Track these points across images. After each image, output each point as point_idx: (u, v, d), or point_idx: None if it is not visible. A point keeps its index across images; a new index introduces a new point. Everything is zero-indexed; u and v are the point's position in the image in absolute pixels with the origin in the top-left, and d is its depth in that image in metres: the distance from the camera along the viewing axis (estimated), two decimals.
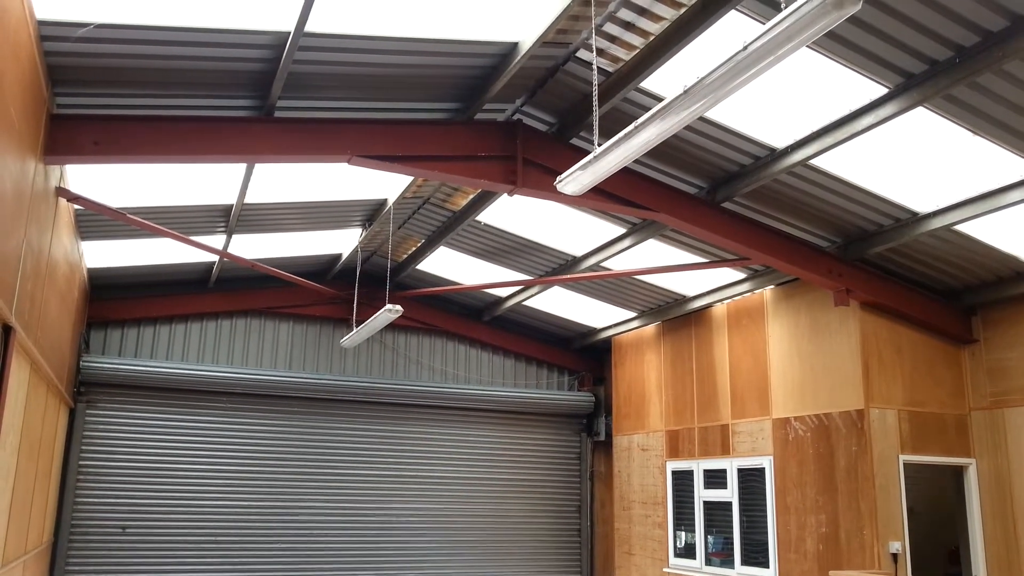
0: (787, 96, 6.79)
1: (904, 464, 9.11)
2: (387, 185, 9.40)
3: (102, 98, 6.75)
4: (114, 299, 11.94)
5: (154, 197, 8.78)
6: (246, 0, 5.65)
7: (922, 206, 8.07)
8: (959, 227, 8.15)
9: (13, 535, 7.05)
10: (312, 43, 6.24)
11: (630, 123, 5.85)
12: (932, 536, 11.62)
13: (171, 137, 6.73)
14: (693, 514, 11.32)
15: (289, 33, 5.99)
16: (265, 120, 7.09)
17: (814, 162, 7.60)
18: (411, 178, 9.00)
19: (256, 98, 7.10)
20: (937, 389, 9.58)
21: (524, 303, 13.15)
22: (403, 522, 13.08)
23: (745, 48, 3.91)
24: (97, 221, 9.10)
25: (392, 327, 13.73)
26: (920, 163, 7.34)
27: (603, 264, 10.93)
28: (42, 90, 5.91)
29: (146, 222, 8.41)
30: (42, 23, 5.46)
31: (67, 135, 6.44)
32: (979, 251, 8.60)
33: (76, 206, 8.30)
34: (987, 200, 7.52)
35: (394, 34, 6.31)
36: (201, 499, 11.97)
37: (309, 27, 5.98)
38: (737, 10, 5.82)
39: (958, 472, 9.62)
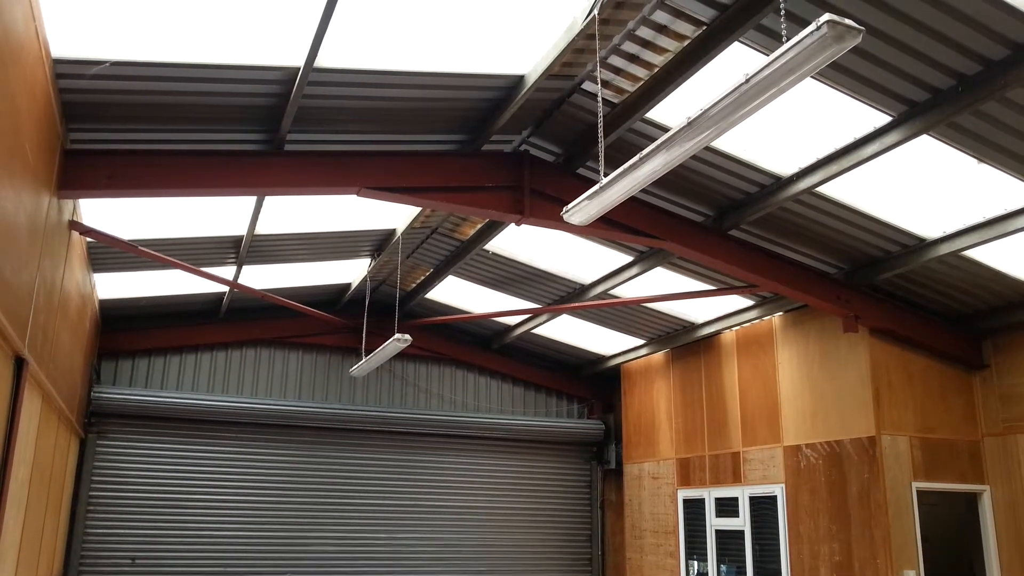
0: (792, 125, 6.84)
1: (917, 491, 9.03)
2: (395, 215, 9.47)
3: (115, 133, 6.85)
4: (125, 330, 12.01)
5: (165, 229, 8.87)
6: (257, 37, 5.75)
7: (929, 232, 8.08)
8: (967, 253, 8.15)
9: (23, 566, 7.06)
10: (321, 78, 6.34)
11: (636, 153, 5.92)
12: (948, 564, 11.47)
13: (183, 171, 6.82)
14: (705, 543, 11.23)
15: (299, 68, 6.09)
16: (275, 154, 7.18)
17: (820, 190, 7.63)
18: (419, 208, 9.07)
19: (266, 132, 7.19)
20: (949, 415, 9.52)
21: (533, 331, 13.16)
22: (413, 551, 13.00)
23: (748, 80, 3.96)
24: (109, 253, 9.19)
25: (401, 356, 13.75)
26: (926, 190, 7.36)
27: (611, 292, 10.95)
28: (56, 126, 6.01)
29: (157, 254, 8.50)
30: (57, 61, 5.57)
31: (81, 170, 6.53)
32: (987, 276, 8.59)
33: (89, 239, 8.40)
34: (994, 226, 7.53)
35: (402, 68, 6.41)
36: (211, 529, 11.94)
37: (318, 62, 6.08)
38: (740, 42, 5.90)
39: (972, 499, 9.52)
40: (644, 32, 6.06)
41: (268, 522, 12.27)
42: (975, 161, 6.78)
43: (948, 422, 9.49)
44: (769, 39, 5.85)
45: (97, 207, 8.06)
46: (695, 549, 11.44)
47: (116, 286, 10.58)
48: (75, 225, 7.38)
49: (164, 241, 9.18)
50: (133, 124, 6.75)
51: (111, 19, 5.31)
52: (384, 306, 13.19)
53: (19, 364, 5.72)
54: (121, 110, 6.47)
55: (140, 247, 8.24)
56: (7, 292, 4.79)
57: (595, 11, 5.60)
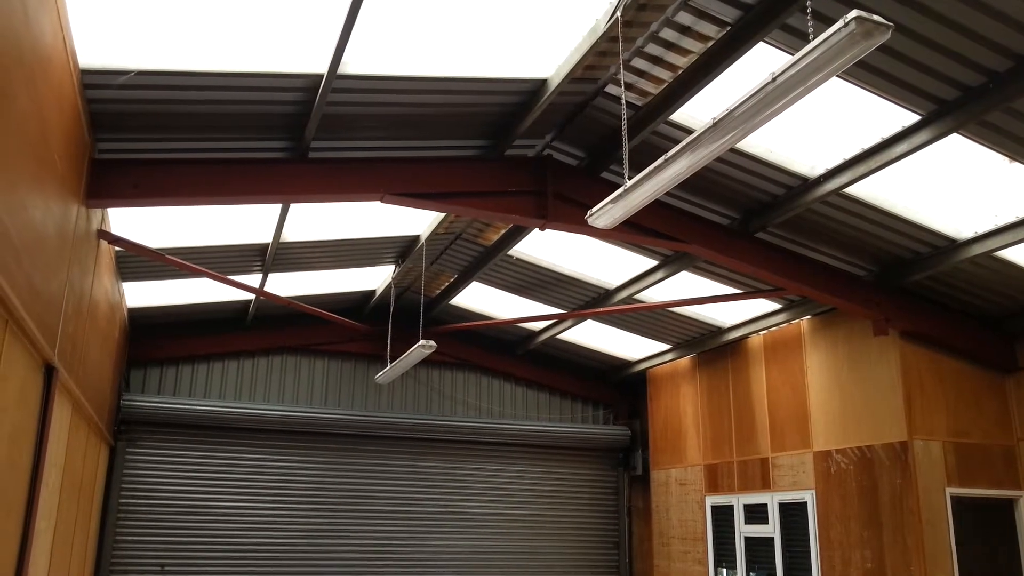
0: (818, 125, 6.75)
1: (951, 497, 8.86)
2: (419, 222, 9.49)
3: (142, 143, 6.92)
4: (154, 338, 12.13)
5: (192, 237, 8.95)
6: (280, 44, 5.79)
7: (960, 233, 7.93)
8: (999, 253, 7.99)
9: (55, 572, 7.12)
10: (345, 85, 6.36)
11: (660, 156, 5.86)
12: (984, 571, 11.23)
13: (208, 179, 6.87)
14: (734, 550, 11.10)
15: (322, 76, 6.11)
16: (300, 161, 7.22)
17: (848, 191, 7.53)
18: (443, 214, 9.07)
19: (291, 140, 7.23)
20: (982, 419, 9.34)
21: (558, 337, 13.11)
22: (439, 557, 12.98)
23: (774, 80, 3.90)
24: (137, 262, 9.28)
25: (426, 362, 13.75)
26: (957, 190, 7.24)
27: (636, 296, 10.88)
28: (84, 136, 6.08)
29: (184, 262, 8.57)
30: (84, 71, 5.64)
31: (108, 179, 6.60)
32: (1021, 277, 8.42)
33: (117, 248, 8.48)
34: None
35: (425, 74, 6.41)
36: (239, 536, 12.00)
37: (342, 69, 6.10)
38: (765, 42, 5.83)
39: (1007, 505, 9.32)
40: (667, 34, 6.01)
41: (295, 528, 12.30)
42: (1007, 160, 6.65)
43: (982, 426, 9.31)
44: (794, 39, 5.78)
45: (125, 216, 8.15)
46: (724, 556, 11.31)
47: (145, 294, 10.69)
48: (103, 234, 7.45)
49: (191, 249, 9.26)
50: (159, 133, 6.82)
51: (137, 29, 5.36)
52: (408, 313, 13.21)
53: (49, 372, 5.77)
54: (147, 119, 6.54)
55: (167, 255, 8.31)
56: (37, 301, 4.84)
57: (618, 13, 5.57)
